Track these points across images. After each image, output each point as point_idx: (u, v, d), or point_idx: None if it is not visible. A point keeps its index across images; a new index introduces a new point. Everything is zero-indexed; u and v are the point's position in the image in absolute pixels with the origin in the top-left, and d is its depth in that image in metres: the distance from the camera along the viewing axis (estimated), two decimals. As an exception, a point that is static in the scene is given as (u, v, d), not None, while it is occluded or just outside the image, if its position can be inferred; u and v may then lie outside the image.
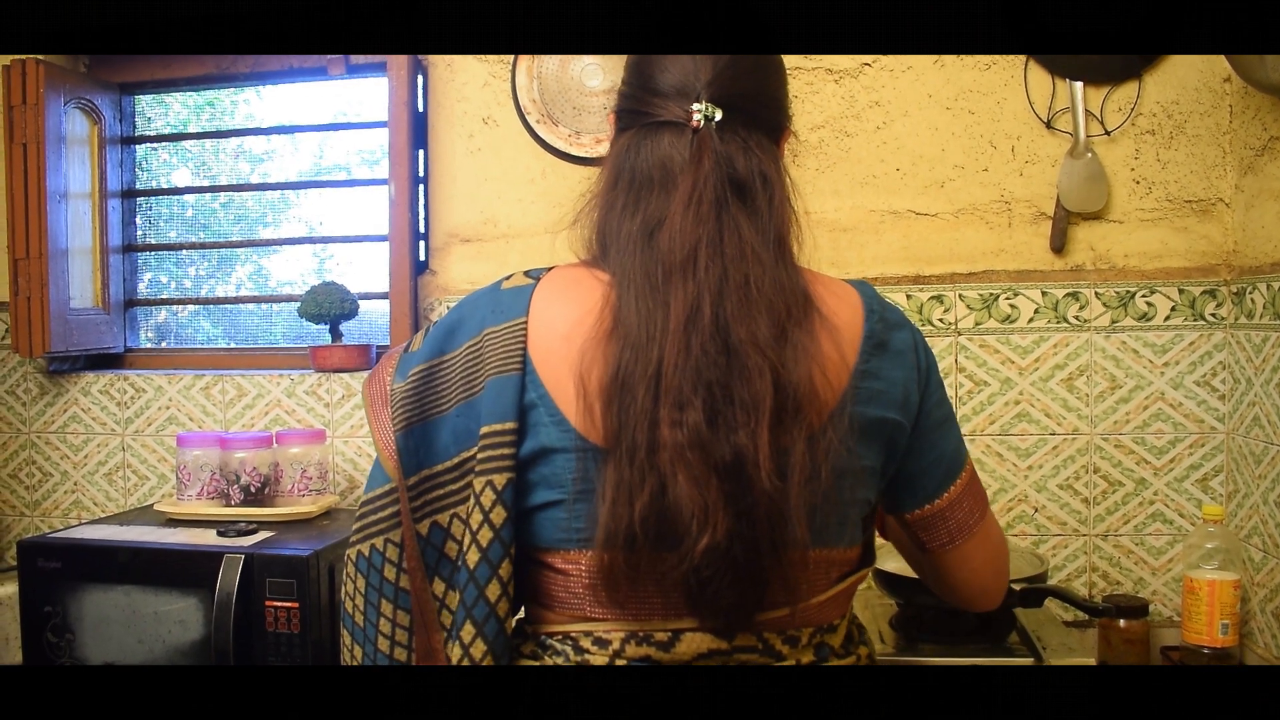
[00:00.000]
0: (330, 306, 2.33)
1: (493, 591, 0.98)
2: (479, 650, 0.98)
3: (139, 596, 1.90)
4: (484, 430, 0.99)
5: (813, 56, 2.13)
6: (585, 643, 1.00)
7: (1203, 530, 1.83)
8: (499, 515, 0.98)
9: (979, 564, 1.17)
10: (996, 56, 2.07)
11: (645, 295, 0.96)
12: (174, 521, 2.10)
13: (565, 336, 1.00)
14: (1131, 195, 2.04)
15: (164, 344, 2.74)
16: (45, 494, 2.55)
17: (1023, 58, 2.05)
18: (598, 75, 2.22)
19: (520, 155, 2.29)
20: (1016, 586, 1.67)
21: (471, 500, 0.99)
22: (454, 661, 0.99)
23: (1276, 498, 1.81)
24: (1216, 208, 2.01)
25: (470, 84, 2.32)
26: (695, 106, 1.00)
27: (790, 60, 1.13)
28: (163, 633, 1.89)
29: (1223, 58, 1.88)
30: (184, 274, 2.77)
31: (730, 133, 1.01)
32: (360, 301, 2.41)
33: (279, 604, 1.82)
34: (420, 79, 2.33)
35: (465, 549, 0.99)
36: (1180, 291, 2.01)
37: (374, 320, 2.54)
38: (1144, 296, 2.03)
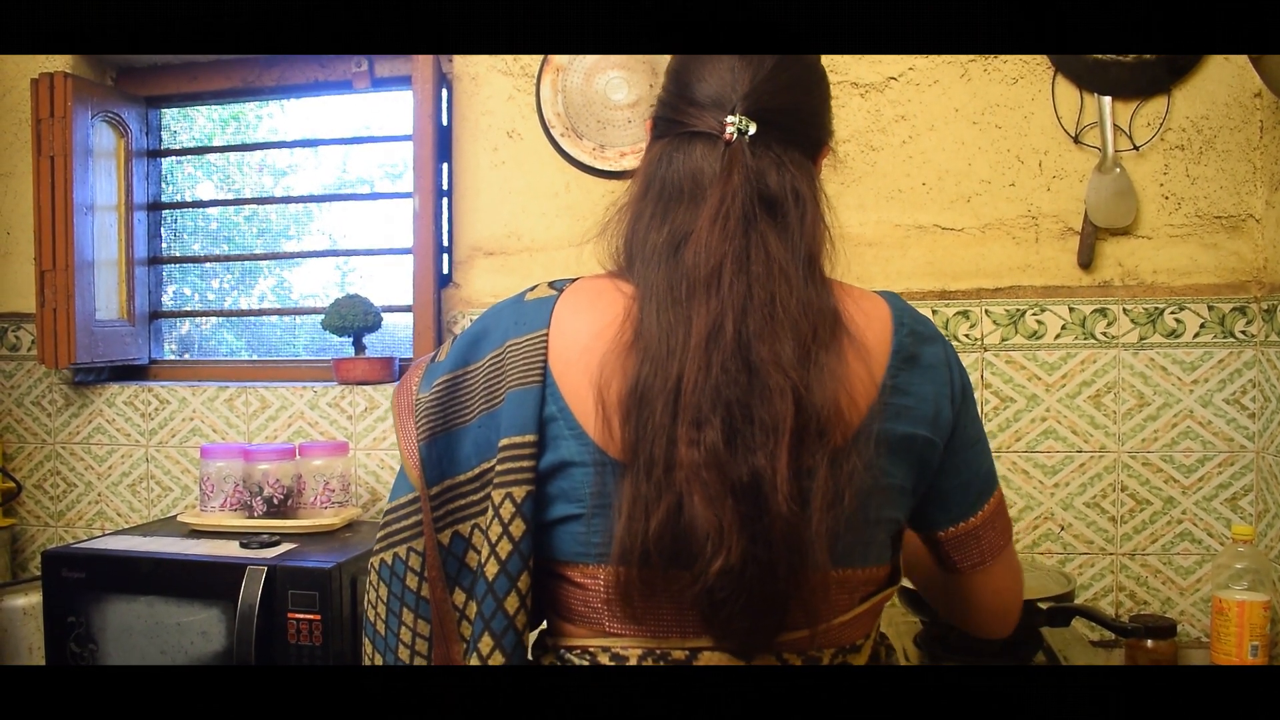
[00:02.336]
0: (353, 319, 2.34)
1: (511, 604, 0.97)
2: (497, 662, 0.97)
3: (162, 607, 1.90)
4: (503, 442, 0.99)
5: (838, 70, 2.13)
6: (603, 658, 0.99)
7: (1232, 550, 1.80)
8: (518, 528, 0.97)
9: (1003, 586, 1.15)
10: (1024, 71, 2.06)
11: (667, 309, 0.95)
12: (197, 533, 2.10)
13: (586, 348, 0.99)
14: (1160, 211, 2.02)
15: (187, 356, 2.75)
16: (69, 504, 2.56)
17: (1050, 72, 2.04)
18: (622, 89, 2.23)
19: (544, 168, 2.30)
20: (1043, 605, 1.65)
21: (490, 512, 0.99)
22: None
23: (1309, 517, 1.79)
24: (1247, 224, 1.99)
25: (495, 97, 2.32)
26: (729, 119, 0.99)
27: (816, 73, 1.13)
28: (185, 643, 1.89)
29: (1254, 73, 1.87)
30: (207, 287, 2.78)
31: (763, 147, 1.00)
32: (383, 314, 2.41)
33: (301, 616, 1.82)
34: (445, 92, 2.34)
35: (484, 561, 0.99)
36: (1210, 308, 1.99)
37: (396, 333, 2.55)
38: (1173, 313, 2.01)
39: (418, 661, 1.06)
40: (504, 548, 0.97)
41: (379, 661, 1.08)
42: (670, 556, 0.90)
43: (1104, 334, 2.03)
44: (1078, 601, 1.89)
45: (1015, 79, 2.07)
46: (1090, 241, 2.03)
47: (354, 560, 1.88)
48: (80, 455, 2.55)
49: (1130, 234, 2.03)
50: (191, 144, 2.75)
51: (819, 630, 0.96)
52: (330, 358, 2.45)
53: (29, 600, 2.21)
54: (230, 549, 1.94)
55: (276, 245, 2.73)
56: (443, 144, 2.33)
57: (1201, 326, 2.00)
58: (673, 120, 1.04)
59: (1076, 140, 2.04)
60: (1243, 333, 1.98)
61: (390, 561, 1.07)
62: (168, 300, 2.74)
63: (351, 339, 2.38)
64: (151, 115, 2.66)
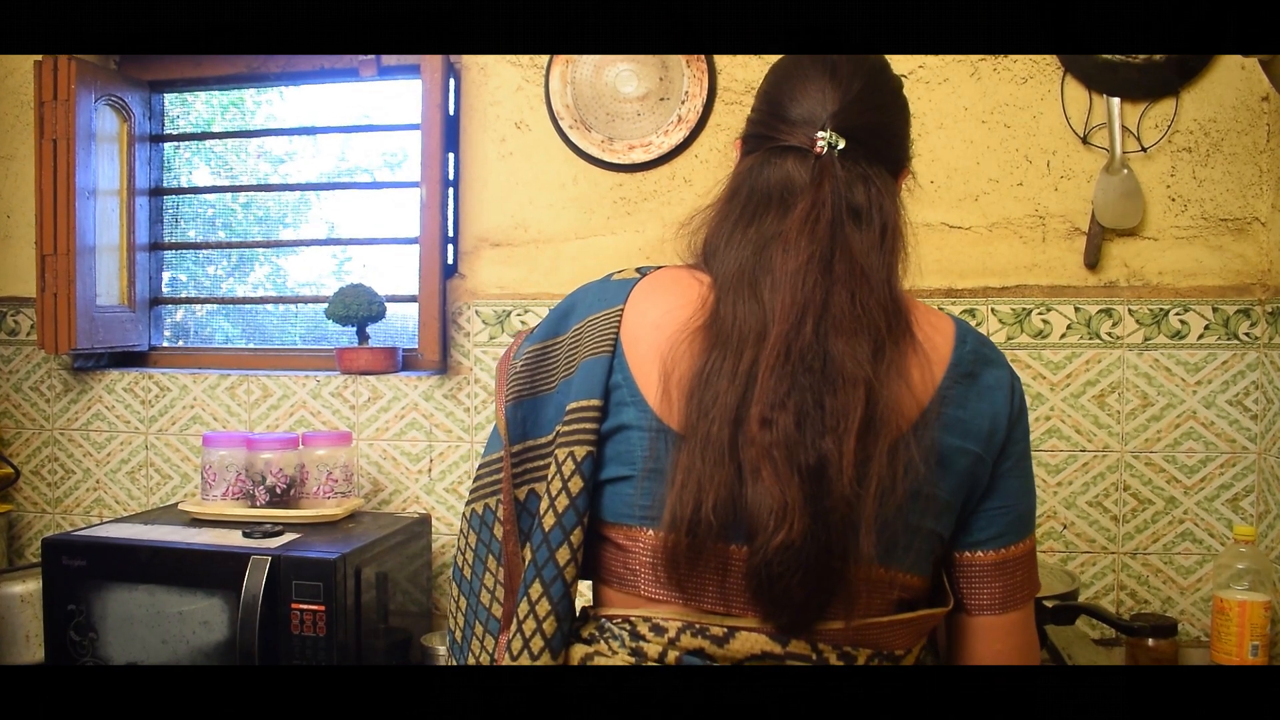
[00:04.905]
0: (358, 308, 2.32)
1: (562, 555, 1.02)
2: (544, 608, 1.02)
3: (163, 596, 1.89)
4: (570, 405, 1.05)
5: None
6: (643, 628, 1.02)
7: (1233, 550, 1.81)
8: (576, 485, 1.03)
9: (1012, 648, 1.08)
10: (1033, 70, 2.06)
11: (746, 300, 1.00)
12: (198, 521, 2.09)
13: (656, 325, 1.04)
14: (1167, 212, 2.03)
15: (181, 343, 2.73)
16: (67, 491, 2.55)
17: (1060, 72, 2.05)
18: (631, 81, 2.22)
19: (552, 160, 2.29)
20: (1048, 603, 1.66)
21: (554, 468, 1.04)
22: (520, 618, 1.03)
23: (1311, 519, 1.80)
24: (1252, 227, 2.00)
25: (503, 88, 2.32)
26: (820, 134, 1.03)
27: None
28: (187, 633, 1.88)
29: (1262, 76, 1.87)
30: (203, 273, 2.77)
31: (852, 163, 1.04)
32: (387, 304, 2.40)
33: (305, 607, 1.81)
34: (453, 82, 2.33)
35: (543, 513, 1.04)
36: (1214, 310, 2.00)
37: (397, 323, 2.54)
38: (1177, 314, 2.02)
39: (495, 607, 1.12)
40: (561, 502, 1.03)
41: (462, 603, 1.15)
42: (723, 528, 0.94)
43: (1109, 334, 2.04)
44: (1079, 600, 1.90)
45: (1025, 79, 2.07)
46: (1097, 242, 2.03)
47: (358, 551, 1.87)
48: (79, 442, 2.54)
49: (1136, 235, 2.04)
50: (189, 129, 2.73)
51: (855, 625, 0.98)
52: (333, 347, 2.44)
53: (26, 587, 2.19)
54: (233, 538, 1.93)
55: (273, 233, 2.71)
56: (450, 134, 2.32)
57: (1206, 328, 2.01)
58: (764, 136, 1.09)
59: (1085, 141, 2.05)
60: (1246, 335, 1.99)
61: (480, 512, 1.14)
62: (164, 287, 2.72)
63: (355, 329, 2.37)
64: (155, 100, 2.64)
